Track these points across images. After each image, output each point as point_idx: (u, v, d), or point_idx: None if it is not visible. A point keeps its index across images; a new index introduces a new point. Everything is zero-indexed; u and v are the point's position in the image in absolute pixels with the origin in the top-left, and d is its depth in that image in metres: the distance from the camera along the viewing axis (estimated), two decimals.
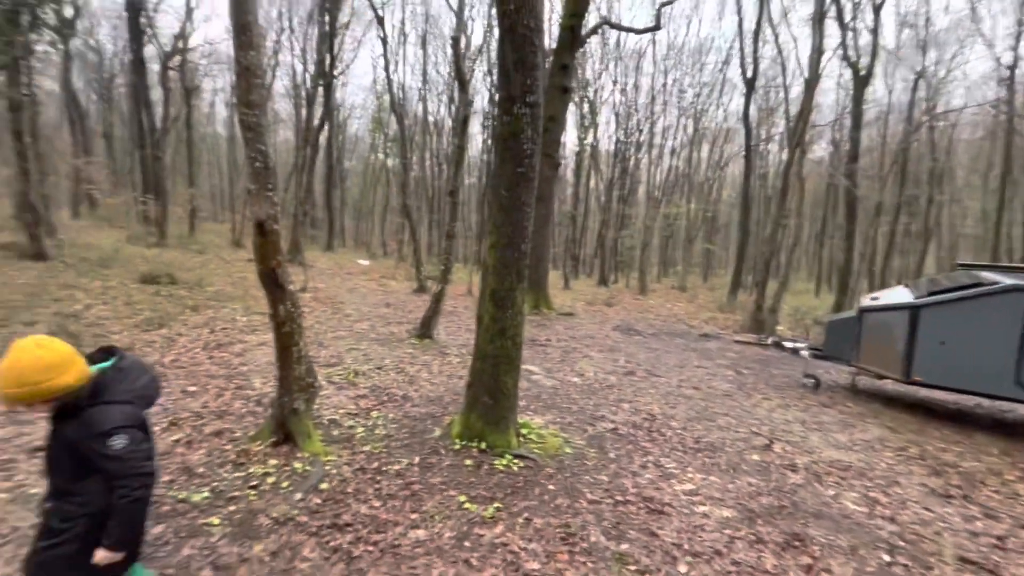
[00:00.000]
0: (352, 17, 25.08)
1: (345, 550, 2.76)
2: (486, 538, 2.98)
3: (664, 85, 28.13)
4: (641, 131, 28.15)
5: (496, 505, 3.34)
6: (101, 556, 1.75)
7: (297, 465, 3.60)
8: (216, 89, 33.14)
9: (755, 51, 21.43)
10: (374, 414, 4.88)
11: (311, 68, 23.92)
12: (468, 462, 3.92)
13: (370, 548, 2.80)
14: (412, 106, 30.26)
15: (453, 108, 26.80)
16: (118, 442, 1.70)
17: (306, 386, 4.03)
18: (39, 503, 1.86)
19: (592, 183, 32.16)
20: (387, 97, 26.69)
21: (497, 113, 4.13)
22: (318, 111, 22.37)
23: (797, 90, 22.27)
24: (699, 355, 9.62)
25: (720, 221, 37.24)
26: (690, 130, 30.18)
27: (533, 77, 3.92)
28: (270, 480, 3.39)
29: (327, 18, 20.67)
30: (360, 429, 4.46)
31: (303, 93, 24.13)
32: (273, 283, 3.77)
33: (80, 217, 20.70)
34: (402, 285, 16.06)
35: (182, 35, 19.89)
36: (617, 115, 27.90)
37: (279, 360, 3.90)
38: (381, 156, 34.10)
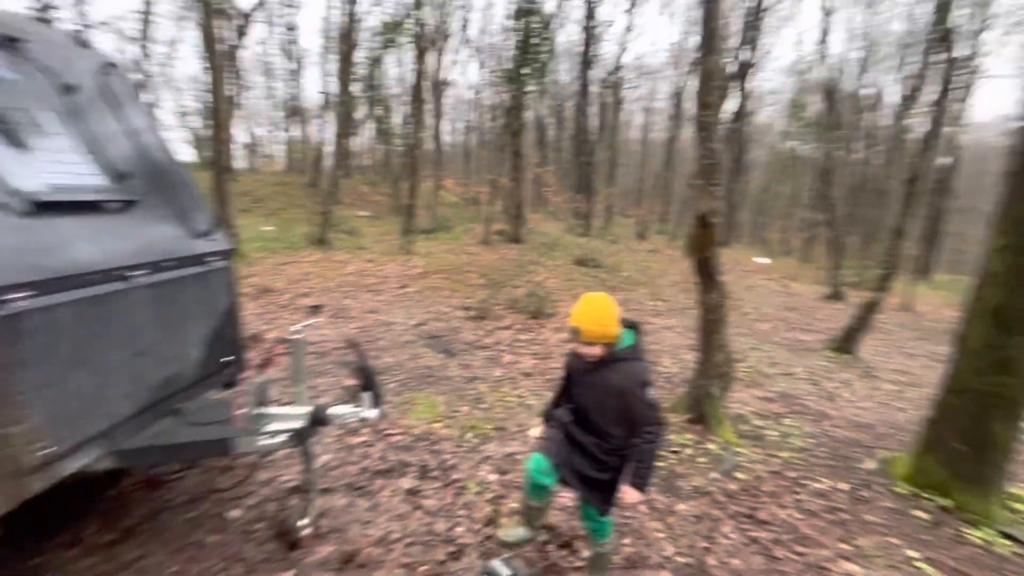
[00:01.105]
0: None
1: (765, 545, 2.72)
2: None
3: None
4: None
5: None
6: (634, 497, 1.96)
7: (711, 446, 3.77)
8: (635, 99, 37.24)
9: None
10: (786, 421, 4.55)
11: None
12: (921, 515, 3.14)
13: (793, 556, 2.66)
14: (844, 81, 25.53)
15: (902, 72, 21.03)
16: (651, 392, 1.92)
17: (723, 374, 4.14)
18: (560, 425, 2.20)
19: None
20: (812, 74, 23.56)
21: None
22: (730, 104, 21.97)
23: None
24: None
25: None
26: None
27: None
28: (688, 451, 3.69)
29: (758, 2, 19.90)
30: (772, 433, 4.25)
31: None
32: (706, 272, 4.01)
33: (537, 212, 27.68)
34: (807, 288, 14.16)
35: (619, 55, 23.33)
36: None
37: (702, 344, 4.14)
38: (792, 144, 30.55)
